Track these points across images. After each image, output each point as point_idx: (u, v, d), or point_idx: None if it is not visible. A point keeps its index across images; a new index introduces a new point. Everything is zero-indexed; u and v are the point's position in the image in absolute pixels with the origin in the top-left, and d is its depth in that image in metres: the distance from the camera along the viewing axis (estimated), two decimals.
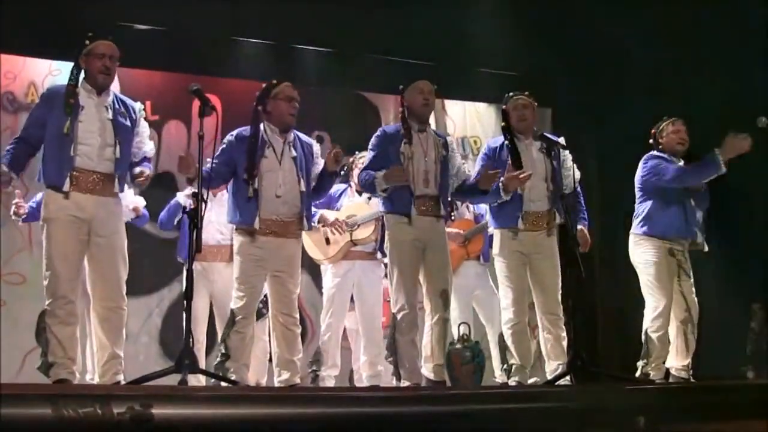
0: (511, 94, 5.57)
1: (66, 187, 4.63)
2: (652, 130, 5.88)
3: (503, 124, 5.52)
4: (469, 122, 8.83)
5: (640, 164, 5.79)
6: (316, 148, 5.30)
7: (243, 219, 4.98)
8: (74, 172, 4.65)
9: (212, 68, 7.68)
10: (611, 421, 3.88)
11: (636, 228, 5.75)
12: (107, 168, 4.75)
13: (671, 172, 5.62)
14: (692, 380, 5.57)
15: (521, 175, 5.23)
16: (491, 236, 6.49)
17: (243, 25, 7.57)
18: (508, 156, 5.38)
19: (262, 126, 5.09)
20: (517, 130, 5.48)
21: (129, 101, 4.98)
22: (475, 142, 8.56)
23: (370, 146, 5.40)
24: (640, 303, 5.68)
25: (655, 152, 5.80)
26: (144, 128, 5.02)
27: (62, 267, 4.62)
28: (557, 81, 7.41)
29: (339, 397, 3.66)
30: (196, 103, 4.81)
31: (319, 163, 5.27)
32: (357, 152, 6.32)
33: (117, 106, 4.86)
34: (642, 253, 5.70)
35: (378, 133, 5.45)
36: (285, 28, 7.54)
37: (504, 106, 5.56)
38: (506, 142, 5.43)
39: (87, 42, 4.80)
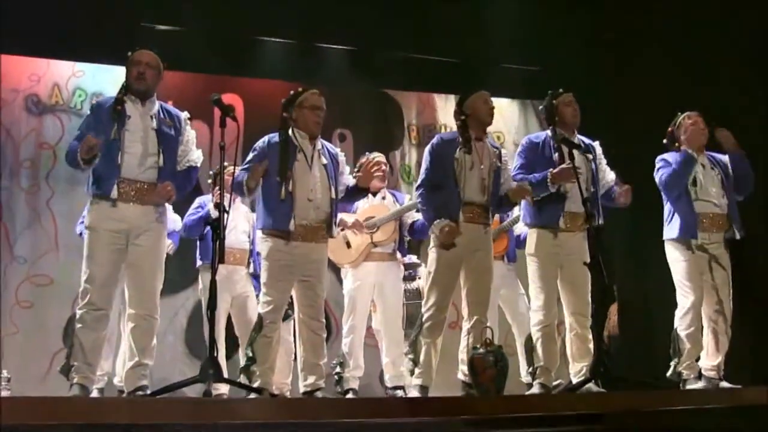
0: (560, 90, 5.49)
1: (114, 194, 4.68)
2: (669, 129, 5.77)
3: (555, 118, 5.43)
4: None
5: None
6: (342, 158, 5.32)
7: (275, 223, 4.97)
8: (119, 181, 4.70)
9: (235, 68, 7.70)
10: None
11: (665, 232, 5.68)
12: (150, 177, 4.79)
13: (664, 176, 5.58)
14: (722, 382, 5.48)
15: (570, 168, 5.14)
16: (518, 236, 6.52)
17: (265, 25, 7.56)
18: (552, 153, 5.33)
19: (291, 132, 5.10)
20: (569, 126, 5.41)
21: (174, 110, 5.03)
22: (498, 137, 8.50)
23: (425, 155, 5.39)
24: (664, 307, 5.62)
25: (663, 155, 5.69)
26: (190, 137, 5.03)
27: (98, 276, 4.70)
28: (581, 77, 7.32)
29: (365, 425, 3.62)
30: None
31: (346, 171, 5.30)
32: (367, 153, 6.27)
33: (162, 115, 4.91)
34: (671, 253, 5.63)
35: (434, 141, 5.43)
36: (307, 26, 7.53)
37: (554, 101, 5.46)
38: (551, 137, 5.36)
39: (129, 54, 4.91)
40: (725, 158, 5.78)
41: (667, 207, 5.69)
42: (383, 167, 6.34)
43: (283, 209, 4.94)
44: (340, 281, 7.05)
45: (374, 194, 6.30)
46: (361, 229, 6.09)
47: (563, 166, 5.20)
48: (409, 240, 6.38)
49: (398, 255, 6.23)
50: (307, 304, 5.05)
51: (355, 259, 6.14)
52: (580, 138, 5.51)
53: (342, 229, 6.08)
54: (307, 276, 5.03)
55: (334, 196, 5.10)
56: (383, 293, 6.13)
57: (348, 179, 5.31)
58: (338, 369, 6.06)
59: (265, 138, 5.12)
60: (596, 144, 5.58)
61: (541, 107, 5.58)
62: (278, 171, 4.94)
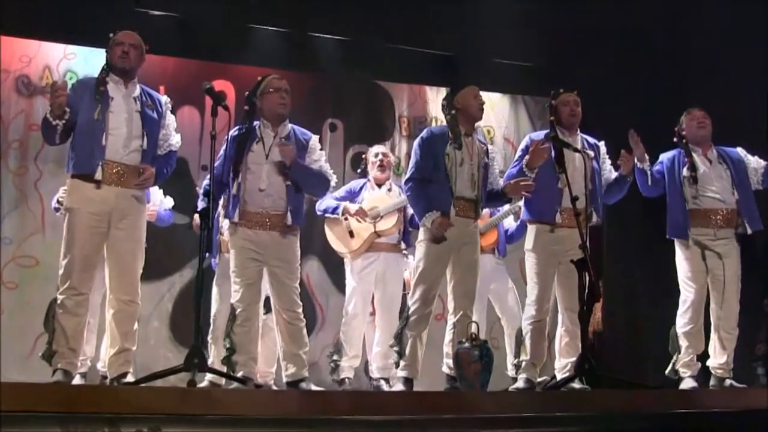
0: (561, 90, 5.54)
1: (98, 175, 4.67)
2: (676, 128, 5.83)
3: (552, 118, 5.49)
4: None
5: None
6: (312, 141, 5.29)
7: (230, 214, 5.04)
8: (103, 163, 4.69)
9: (227, 55, 7.67)
10: None
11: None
12: (133, 160, 4.79)
13: None
14: (730, 381, 5.51)
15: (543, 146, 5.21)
16: (506, 230, 6.54)
17: (258, 12, 7.53)
18: (551, 151, 5.32)
19: (257, 123, 5.11)
20: (565, 126, 5.47)
21: (156, 94, 5.04)
22: (488, 131, 8.52)
23: (415, 148, 5.39)
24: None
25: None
26: (170, 121, 5.04)
27: (78, 258, 4.68)
28: (575, 72, 7.32)
29: (348, 422, 3.62)
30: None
31: (315, 155, 5.26)
32: (369, 148, 6.31)
33: (144, 98, 4.91)
34: (677, 251, 5.67)
35: (424, 134, 5.43)
36: (300, 15, 7.50)
37: (553, 102, 5.53)
38: (551, 135, 5.37)
39: (111, 35, 4.91)
40: (738, 152, 5.82)
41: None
42: (382, 158, 6.36)
43: (235, 200, 5.00)
44: (327, 268, 7.10)
45: (379, 186, 6.33)
46: (364, 216, 6.09)
47: (533, 147, 5.26)
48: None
49: (402, 245, 6.25)
50: (280, 296, 5.07)
51: (358, 248, 6.16)
52: (583, 137, 5.55)
53: (346, 218, 6.12)
54: (276, 266, 5.05)
55: (290, 183, 5.06)
56: (384, 283, 6.15)
57: (317, 160, 5.26)
58: (335, 357, 6.10)
59: (230, 132, 5.09)
60: (601, 144, 5.62)
61: (545, 104, 5.63)
62: (231, 167, 4.98)
